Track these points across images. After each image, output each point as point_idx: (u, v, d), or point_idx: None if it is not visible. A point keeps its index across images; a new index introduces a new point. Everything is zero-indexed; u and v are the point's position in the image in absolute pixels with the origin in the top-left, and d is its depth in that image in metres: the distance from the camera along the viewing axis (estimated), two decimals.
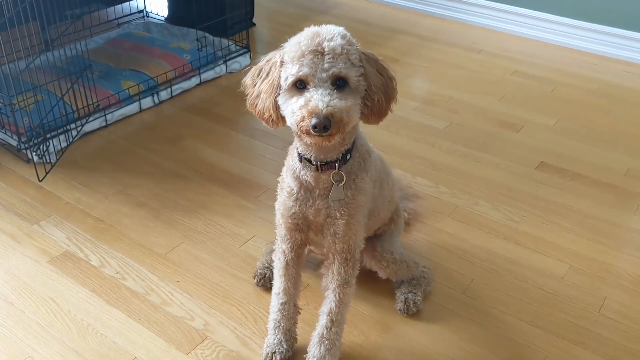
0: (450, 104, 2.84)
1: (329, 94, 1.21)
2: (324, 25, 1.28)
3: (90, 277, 1.85)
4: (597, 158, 2.47)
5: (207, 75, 2.98)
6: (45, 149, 2.33)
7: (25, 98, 2.37)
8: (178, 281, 1.85)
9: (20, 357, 1.60)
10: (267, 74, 1.30)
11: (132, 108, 2.70)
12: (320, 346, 1.50)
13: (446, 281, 1.86)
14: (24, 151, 2.35)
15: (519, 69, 3.19)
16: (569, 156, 2.47)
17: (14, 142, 2.37)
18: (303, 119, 1.21)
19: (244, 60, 3.11)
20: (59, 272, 1.87)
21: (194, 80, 2.93)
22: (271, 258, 1.63)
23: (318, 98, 1.20)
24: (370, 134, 2.55)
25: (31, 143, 2.32)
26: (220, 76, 3.03)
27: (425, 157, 2.46)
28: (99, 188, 2.24)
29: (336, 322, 1.50)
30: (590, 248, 2.00)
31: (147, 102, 2.75)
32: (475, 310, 1.77)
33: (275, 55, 1.31)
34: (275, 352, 1.58)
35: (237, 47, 3.14)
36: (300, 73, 1.23)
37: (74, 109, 2.48)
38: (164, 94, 2.81)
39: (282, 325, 1.59)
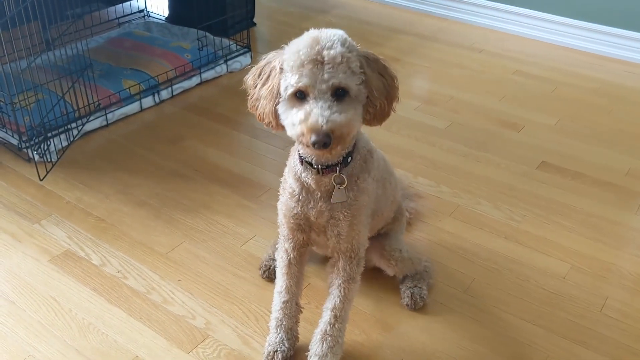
0: (451, 104, 2.84)
1: (329, 107, 1.19)
2: (323, 30, 1.26)
3: (91, 276, 1.85)
4: (598, 157, 2.47)
5: (208, 74, 2.98)
6: (46, 148, 2.33)
7: (26, 97, 2.37)
8: (179, 280, 1.84)
9: (21, 356, 1.60)
10: (267, 79, 1.29)
11: (133, 107, 2.70)
12: (323, 343, 1.50)
13: (447, 280, 1.86)
14: (25, 150, 2.35)
15: (519, 68, 3.19)
16: (570, 156, 2.47)
17: (14, 141, 2.37)
18: (303, 134, 1.21)
19: (245, 59, 3.11)
20: (60, 271, 1.87)
21: (195, 80, 2.93)
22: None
23: (318, 113, 1.19)
24: (372, 134, 2.54)
25: (32, 142, 2.31)
26: (221, 76, 3.03)
27: (427, 157, 2.46)
28: (100, 187, 2.24)
29: (340, 318, 1.50)
30: (591, 247, 2.00)
31: (147, 101, 2.75)
32: (476, 309, 1.77)
33: (275, 59, 1.29)
34: (277, 351, 1.57)
35: (238, 47, 3.14)
36: (300, 84, 1.21)
37: (75, 108, 2.48)
38: (164, 94, 2.81)
39: (284, 323, 1.58)
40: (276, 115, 1.28)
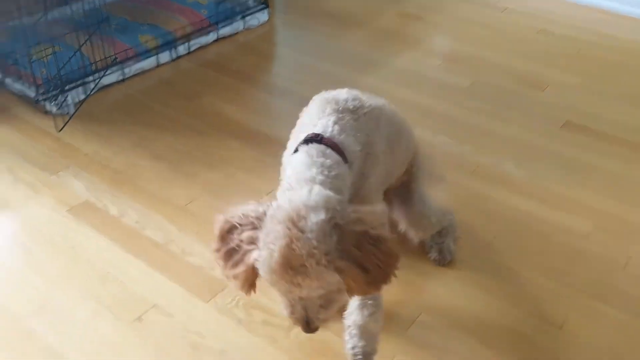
0: (474, 62, 2.78)
1: (312, 303, 1.13)
2: (294, 226, 1.05)
3: (110, 227, 1.85)
4: (623, 117, 2.41)
5: (225, 31, 2.93)
6: (63, 100, 2.31)
7: (42, 49, 2.34)
8: (198, 232, 1.83)
9: (39, 305, 1.60)
10: (235, 257, 1.15)
11: (150, 62, 2.67)
12: (363, 310, 1.36)
13: (469, 237, 1.83)
14: (42, 103, 2.33)
15: (543, 27, 3.11)
16: (594, 115, 2.41)
17: (31, 94, 2.35)
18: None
19: (262, 16, 3.05)
20: (78, 221, 1.86)
21: (212, 36, 2.89)
22: None
23: (303, 316, 1.15)
24: (392, 91, 2.51)
25: (49, 94, 2.29)
26: (238, 32, 2.98)
27: (448, 115, 2.41)
28: (117, 141, 2.22)
29: (379, 304, 1.40)
30: (615, 207, 1.96)
31: (164, 56, 2.71)
32: (497, 266, 1.74)
33: (248, 246, 1.13)
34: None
35: (255, 3, 3.07)
36: (283, 294, 1.15)
37: (92, 61, 2.45)
38: (181, 49, 2.77)
39: None
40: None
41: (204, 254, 1.76)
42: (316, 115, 1.33)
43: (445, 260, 1.73)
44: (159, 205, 1.93)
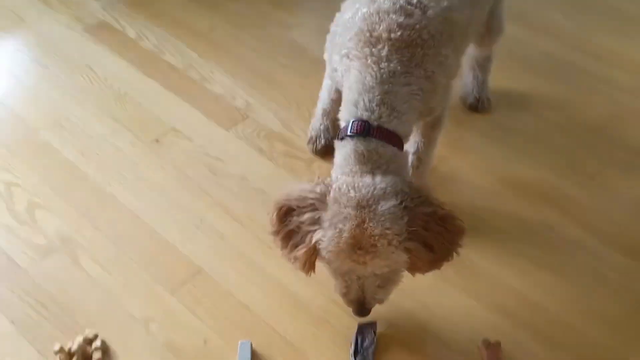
0: None
1: (370, 283, 1.07)
2: (367, 208, 0.99)
3: (127, 48, 1.76)
4: None
5: None
6: None
7: None
8: (219, 61, 1.74)
9: (55, 119, 1.55)
10: (294, 237, 1.06)
11: None
12: None
13: (506, 84, 1.73)
14: None
15: None
16: None
17: None
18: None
19: None
20: (94, 40, 1.77)
21: None
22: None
23: (356, 295, 1.08)
24: None
25: None
26: None
27: None
28: None
29: (424, 161, 1.36)
30: None
31: None
32: (533, 115, 1.65)
33: (313, 227, 1.04)
34: (320, 137, 1.50)
35: None
36: (342, 274, 1.07)
37: None
38: None
39: (330, 115, 1.49)
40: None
41: (225, 83, 1.68)
42: (356, 89, 1.10)
43: (481, 107, 1.64)
44: (179, 30, 1.82)
